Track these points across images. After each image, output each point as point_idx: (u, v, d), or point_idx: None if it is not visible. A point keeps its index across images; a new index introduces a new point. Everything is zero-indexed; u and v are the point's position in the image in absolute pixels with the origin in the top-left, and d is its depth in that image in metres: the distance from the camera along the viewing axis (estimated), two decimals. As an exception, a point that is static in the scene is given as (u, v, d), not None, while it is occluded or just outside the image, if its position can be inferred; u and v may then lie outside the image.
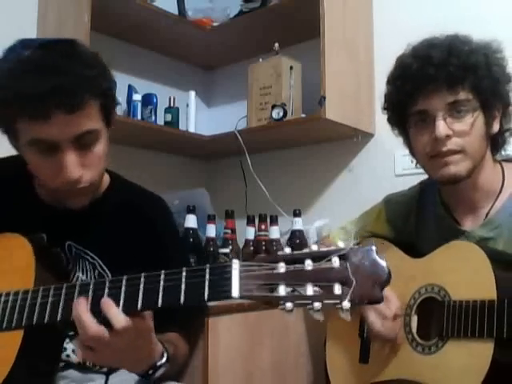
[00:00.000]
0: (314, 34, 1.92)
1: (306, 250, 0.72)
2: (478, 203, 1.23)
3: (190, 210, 1.81)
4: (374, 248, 0.69)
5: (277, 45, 2.08)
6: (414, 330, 1.23)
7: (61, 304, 0.85)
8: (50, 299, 0.86)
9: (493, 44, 1.18)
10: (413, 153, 1.27)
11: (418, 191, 1.39)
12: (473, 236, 1.21)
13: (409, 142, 1.27)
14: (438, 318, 1.18)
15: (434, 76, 1.13)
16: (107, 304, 0.80)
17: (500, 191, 1.22)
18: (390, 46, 1.44)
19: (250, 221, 1.92)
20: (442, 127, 1.14)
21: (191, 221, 1.80)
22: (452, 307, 1.15)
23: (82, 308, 0.80)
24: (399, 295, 1.25)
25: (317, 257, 0.70)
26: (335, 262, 0.69)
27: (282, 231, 1.93)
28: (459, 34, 1.19)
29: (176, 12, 2.25)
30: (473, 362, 1.08)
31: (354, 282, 0.67)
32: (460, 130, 1.15)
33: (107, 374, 1.04)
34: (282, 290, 0.70)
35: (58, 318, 0.85)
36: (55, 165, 0.97)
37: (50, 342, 0.96)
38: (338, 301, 0.67)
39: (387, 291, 1.24)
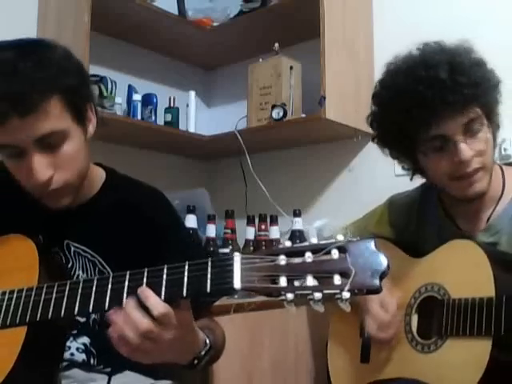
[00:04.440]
0: (314, 34, 1.92)
1: (305, 243, 0.74)
2: (479, 208, 1.23)
3: (190, 209, 1.82)
4: (373, 240, 0.71)
5: (277, 45, 2.09)
6: (415, 328, 1.23)
7: (64, 300, 0.85)
8: (54, 296, 0.86)
9: (465, 45, 1.15)
10: (413, 172, 1.26)
11: (419, 193, 1.38)
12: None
13: (404, 161, 1.26)
14: (437, 317, 1.18)
15: (449, 100, 1.08)
16: (146, 293, 0.79)
17: (501, 196, 1.21)
18: (390, 46, 1.43)
19: (250, 221, 1.93)
20: (466, 151, 1.11)
21: (191, 221, 1.80)
22: (451, 305, 1.15)
23: (131, 305, 0.79)
24: (400, 295, 1.25)
25: (317, 249, 0.72)
26: (335, 253, 0.71)
27: (282, 231, 1.93)
28: (447, 43, 1.15)
29: (176, 12, 2.25)
30: (471, 359, 1.09)
31: (353, 272, 0.69)
32: (479, 149, 1.13)
33: (110, 375, 1.04)
34: (283, 282, 0.71)
35: (62, 315, 0.84)
36: (25, 168, 0.95)
37: (53, 340, 0.96)
38: (338, 291, 0.69)
39: (386, 297, 1.24)
